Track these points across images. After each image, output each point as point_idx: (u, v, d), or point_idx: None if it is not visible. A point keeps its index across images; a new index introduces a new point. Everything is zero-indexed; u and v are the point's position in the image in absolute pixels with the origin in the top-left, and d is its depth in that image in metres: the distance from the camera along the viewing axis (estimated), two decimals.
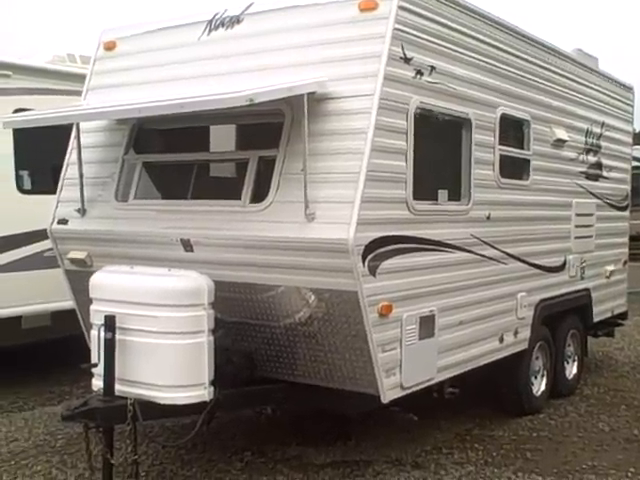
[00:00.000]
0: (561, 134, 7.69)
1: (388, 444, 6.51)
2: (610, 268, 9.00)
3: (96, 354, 5.19)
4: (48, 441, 6.68)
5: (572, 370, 8.47)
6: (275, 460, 6.16)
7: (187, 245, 5.67)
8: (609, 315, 9.22)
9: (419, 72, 5.54)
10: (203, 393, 5.15)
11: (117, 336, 5.07)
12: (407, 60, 5.41)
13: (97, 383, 5.25)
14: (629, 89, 9.63)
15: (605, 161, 8.84)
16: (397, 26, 5.27)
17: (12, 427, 7.08)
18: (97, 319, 5.24)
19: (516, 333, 6.97)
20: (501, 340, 6.74)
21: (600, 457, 6.40)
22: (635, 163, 11.12)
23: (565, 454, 6.46)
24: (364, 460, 6.19)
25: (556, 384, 7.97)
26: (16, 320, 8.06)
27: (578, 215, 8.13)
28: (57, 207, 6.48)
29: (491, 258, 6.53)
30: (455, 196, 6.17)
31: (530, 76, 7.12)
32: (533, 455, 6.41)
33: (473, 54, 6.20)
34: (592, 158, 8.53)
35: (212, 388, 5.21)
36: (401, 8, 5.30)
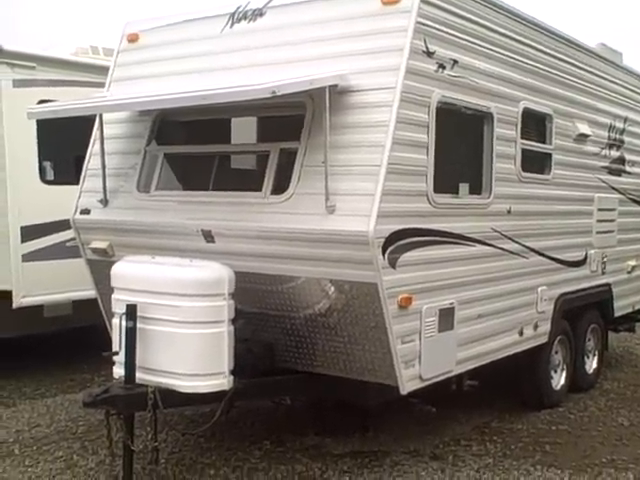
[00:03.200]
0: (584, 129, 7.66)
1: (406, 435, 6.53)
2: (632, 263, 8.95)
3: (117, 342, 5.25)
4: (70, 427, 6.76)
5: (592, 364, 8.45)
6: (294, 449, 6.20)
7: (208, 236, 5.70)
8: (630, 310, 9.17)
9: (441, 66, 5.54)
10: (223, 382, 5.20)
11: (138, 325, 5.12)
12: (429, 54, 5.40)
13: (118, 371, 5.31)
14: None
15: (628, 156, 8.79)
16: (419, 19, 5.27)
17: (34, 413, 7.18)
18: (118, 308, 5.30)
19: (536, 327, 6.96)
20: (521, 333, 6.74)
21: (619, 451, 6.39)
22: None
23: (584, 448, 6.45)
24: (382, 451, 6.21)
25: (576, 378, 7.96)
26: (38, 309, 8.14)
27: (600, 210, 8.10)
28: (80, 197, 6.53)
29: (511, 252, 6.52)
30: (476, 190, 6.16)
31: (553, 70, 7.09)
32: (552, 448, 6.41)
33: (496, 48, 6.18)
34: (615, 153, 8.48)
35: (232, 377, 5.25)
36: (423, 2, 5.29)
